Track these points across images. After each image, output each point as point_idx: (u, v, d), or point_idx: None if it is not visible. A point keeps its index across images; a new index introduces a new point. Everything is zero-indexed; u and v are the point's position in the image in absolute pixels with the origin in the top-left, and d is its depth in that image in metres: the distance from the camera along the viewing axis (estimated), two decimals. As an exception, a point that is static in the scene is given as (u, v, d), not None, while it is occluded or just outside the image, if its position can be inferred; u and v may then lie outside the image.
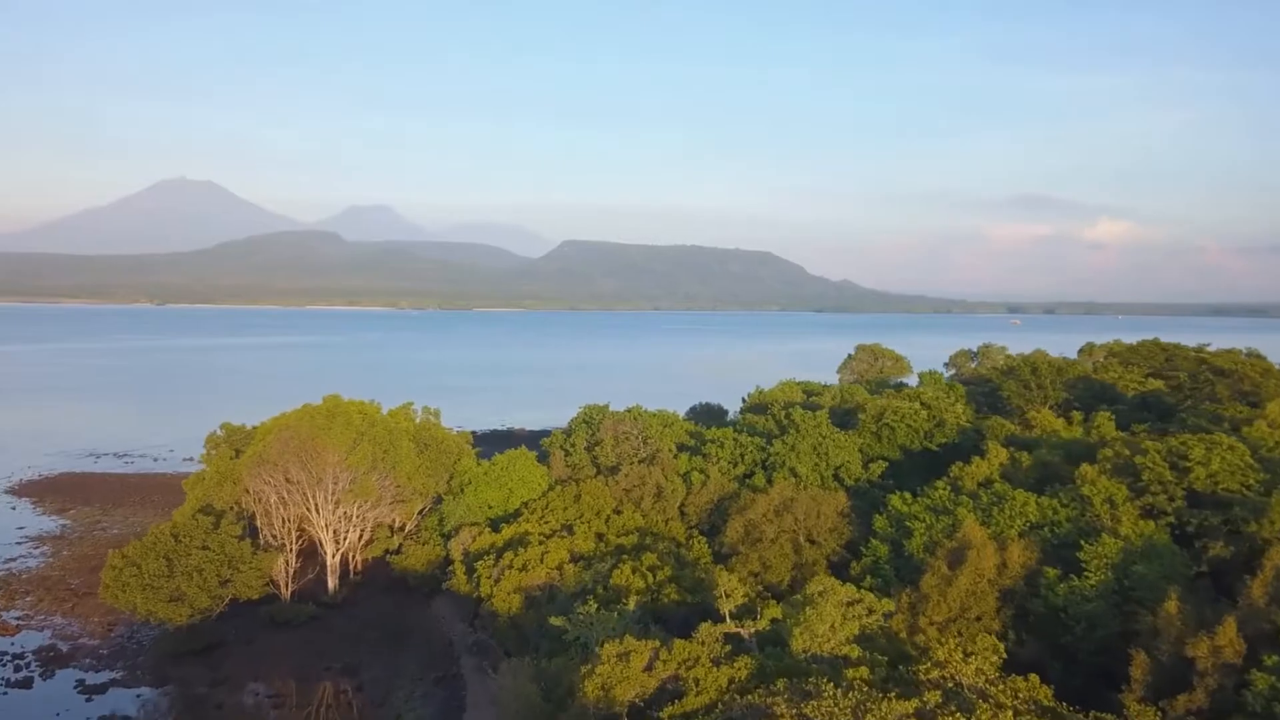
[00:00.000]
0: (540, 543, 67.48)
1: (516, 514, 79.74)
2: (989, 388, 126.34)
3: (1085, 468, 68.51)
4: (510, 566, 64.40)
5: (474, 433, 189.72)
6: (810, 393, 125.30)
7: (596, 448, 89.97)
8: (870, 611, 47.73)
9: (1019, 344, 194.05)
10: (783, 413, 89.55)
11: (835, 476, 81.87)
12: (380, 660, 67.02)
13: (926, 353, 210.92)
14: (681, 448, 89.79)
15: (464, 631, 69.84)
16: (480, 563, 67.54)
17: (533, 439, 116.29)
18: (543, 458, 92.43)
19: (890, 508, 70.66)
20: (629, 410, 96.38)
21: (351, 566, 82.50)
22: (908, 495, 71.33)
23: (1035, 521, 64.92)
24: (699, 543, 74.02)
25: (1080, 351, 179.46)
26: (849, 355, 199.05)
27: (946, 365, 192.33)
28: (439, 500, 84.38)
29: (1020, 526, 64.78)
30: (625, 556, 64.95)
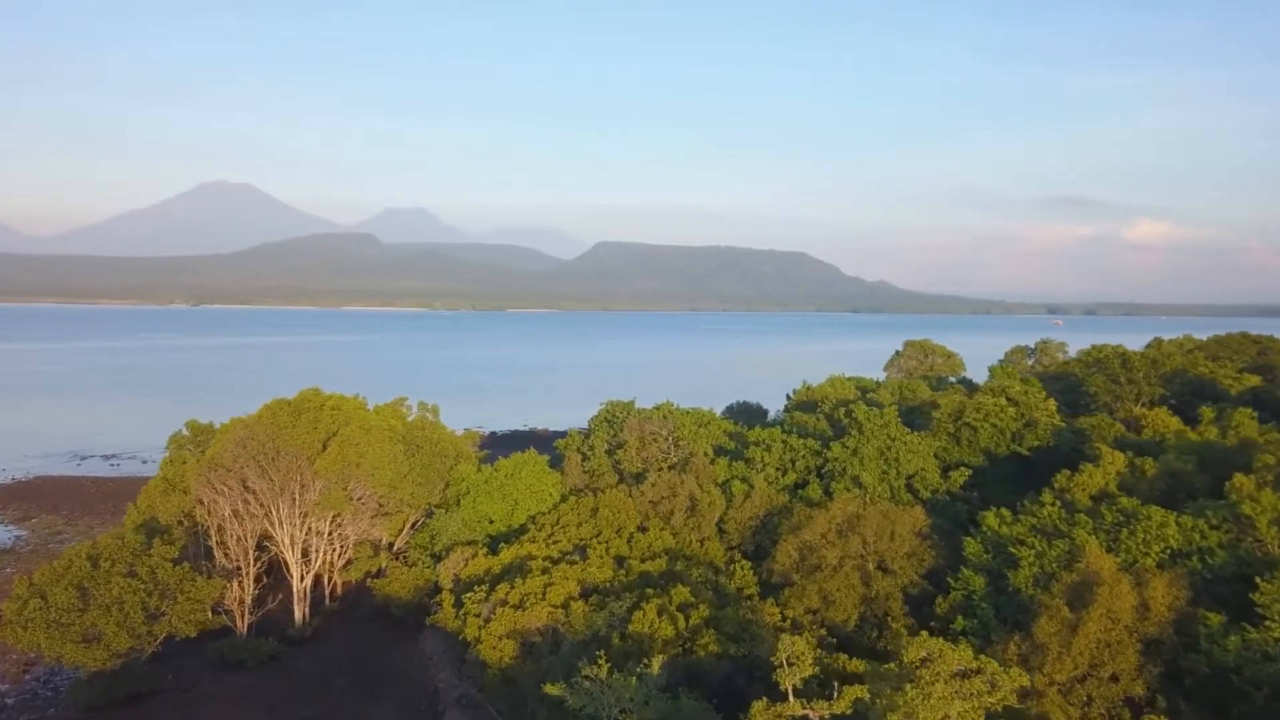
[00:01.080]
0: (544, 571, 53.83)
1: (522, 530, 66.32)
2: (1065, 383, 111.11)
3: (1239, 479, 53.66)
4: (504, 602, 50.84)
5: (493, 433, 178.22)
6: (864, 389, 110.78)
7: (619, 451, 76.34)
8: (993, 686, 33.54)
9: (1070, 344, 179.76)
10: (841, 410, 75.25)
11: (908, 487, 67.46)
12: (348, 713, 53.82)
13: (971, 352, 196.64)
14: (719, 451, 75.82)
15: (452, 679, 56.34)
16: (470, 595, 54.04)
17: (555, 441, 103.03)
18: (556, 462, 78.97)
19: (985, 528, 56.26)
20: (657, 407, 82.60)
21: (328, 592, 69.48)
22: (1005, 512, 56.86)
23: (1178, 548, 50.49)
24: (742, 569, 60.06)
25: (1148, 347, 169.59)
26: (896, 352, 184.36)
27: (1001, 363, 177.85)
28: (433, 513, 71.18)
29: (1159, 555, 50.44)
30: (650, 590, 51.13)
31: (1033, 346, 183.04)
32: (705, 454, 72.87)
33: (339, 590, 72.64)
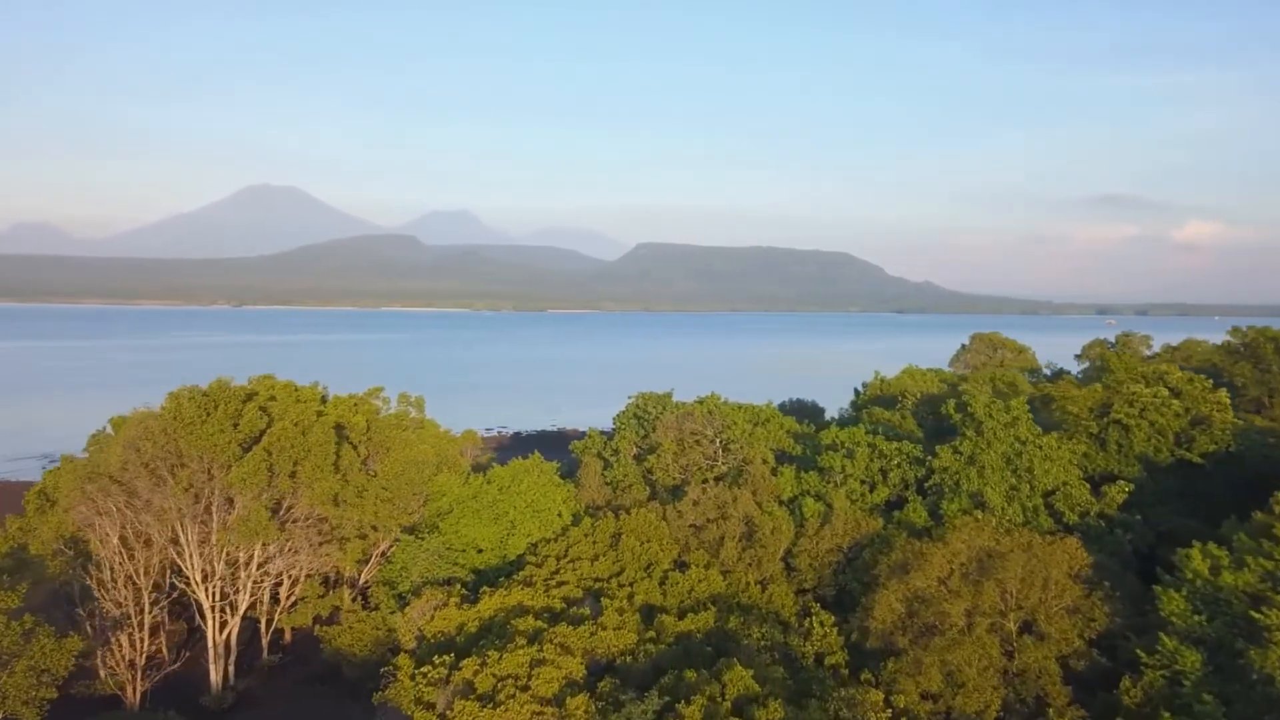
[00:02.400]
0: (534, 637, 36.38)
1: (518, 564, 49.07)
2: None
3: None
4: (470, 689, 33.50)
5: (517, 434, 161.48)
6: (949, 383, 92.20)
7: (650, 456, 58.76)
8: None
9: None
10: (952, 403, 56.92)
11: (1048, 508, 49.12)
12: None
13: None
14: (782, 458, 57.93)
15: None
16: (424, 672, 36.68)
17: (571, 443, 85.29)
18: (571, 470, 61.64)
19: (1189, 573, 37.84)
20: (701, 401, 64.89)
21: (267, 642, 52.68)
22: (1217, 549, 38.37)
23: None
24: (822, 626, 42.24)
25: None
26: (962, 346, 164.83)
27: (1078, 358, 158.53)
28: (410, 533, 54.08)
29: None
30: (692, 674, 33.48)
31: (1112, 340, 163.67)
32: (764, 461, 54.98)
33: (289, 638, 55.88)
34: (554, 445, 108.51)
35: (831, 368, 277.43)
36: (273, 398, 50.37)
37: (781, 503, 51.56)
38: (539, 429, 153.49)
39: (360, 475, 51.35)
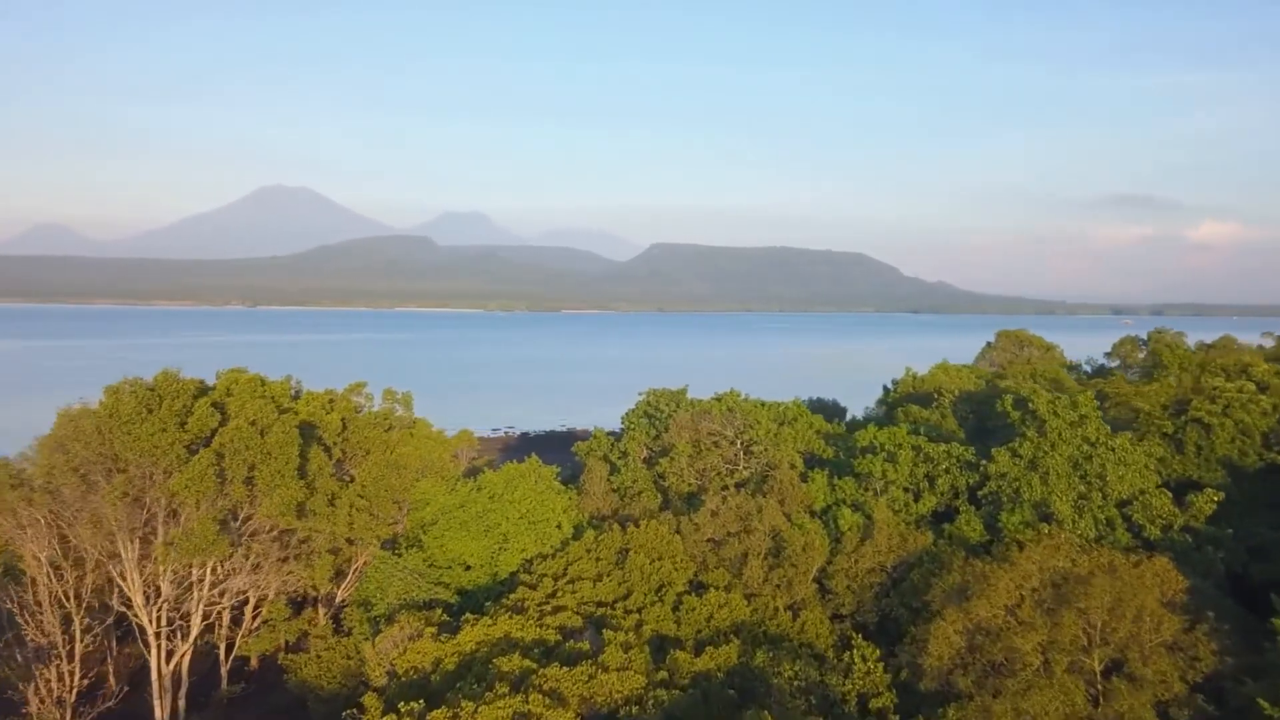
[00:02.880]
0: (519, 681, 29.89)
1: (509, 585, 42.61)
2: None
3: None
4: None
5: (524, 434, 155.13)
6: (986, 379, 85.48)
7: (663, 460, 52.15)
8: None
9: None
10: (1008, 399, 50.13)
11: (1125, 521, 42.31)
12: None
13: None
14: (811, 462, 51.25)
15: None
16: (387, 722, 30.19)
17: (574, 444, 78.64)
18: (574, 475, 55.16)
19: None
20: (719, 398, 58.27)
21: (226, 671, 46.38)
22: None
23: None
24: (865, 660, 35.60)
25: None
26: (988, 344, 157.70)
27: (1108, 355, 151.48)
28: (391, 546, 47.76)
29: None
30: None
31: (1144, 337, 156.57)
32: (792, 466, 48.32)
33: (255, 665, 49.60)
34: (562, 446, 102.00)
35: (850, 366, 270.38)
36: (230, 393, 44.05)
37: (813, 514, 44.92)
38: (547, 429, 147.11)
39: (330, 481, 44.98)
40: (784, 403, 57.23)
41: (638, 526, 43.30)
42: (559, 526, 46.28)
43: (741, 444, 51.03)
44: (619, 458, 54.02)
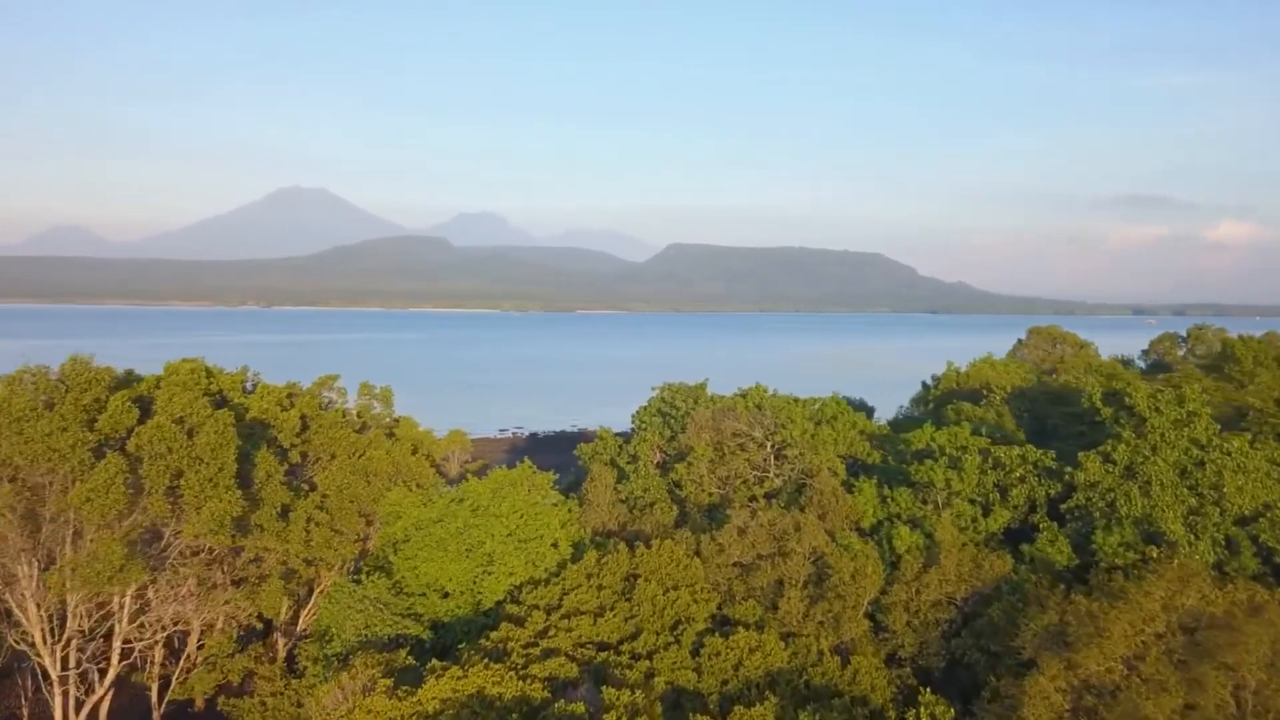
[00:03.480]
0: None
1: (493, 618, 35.03)
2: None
3: None
4: None
5: (533, 435, 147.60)
6: (1037, 374, 77.84)
7: (680, 465, 44.42)
8: None
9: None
10: (1098, 394, 42.11)
11: (1252, 542, 34.34)
12: None
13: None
14: (855, 468, 43.43)
15: None
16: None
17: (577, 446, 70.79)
18: (577, 481, 47.53)
19: None
20: (745, 393, 50.54)
21: (159, 712, 38.98)
22: None
23: None
24: (934, 718, 27.82)
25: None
26: (1019, 340, 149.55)
27: (1145, 353, 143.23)
28: (357, 570, 40.28)
29: None
30: None
31: (1184, 334, 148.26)
32: (833, 472, 40.53)
33: (199, 705, 42.21)
34: (572, 448, 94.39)
35: (875, 365, 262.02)
36: (158, 385, 36.64)
37: (861, 532, 37.18)
38: (556, 430, 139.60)
39: (282, 491, 37.51)
40: (820, 399, 49.32)
41: (649, 547, 35.65)
42: (555, 545, 38.70)
43: (772, 446, 43.30)
44: (628, 462, 46.40)
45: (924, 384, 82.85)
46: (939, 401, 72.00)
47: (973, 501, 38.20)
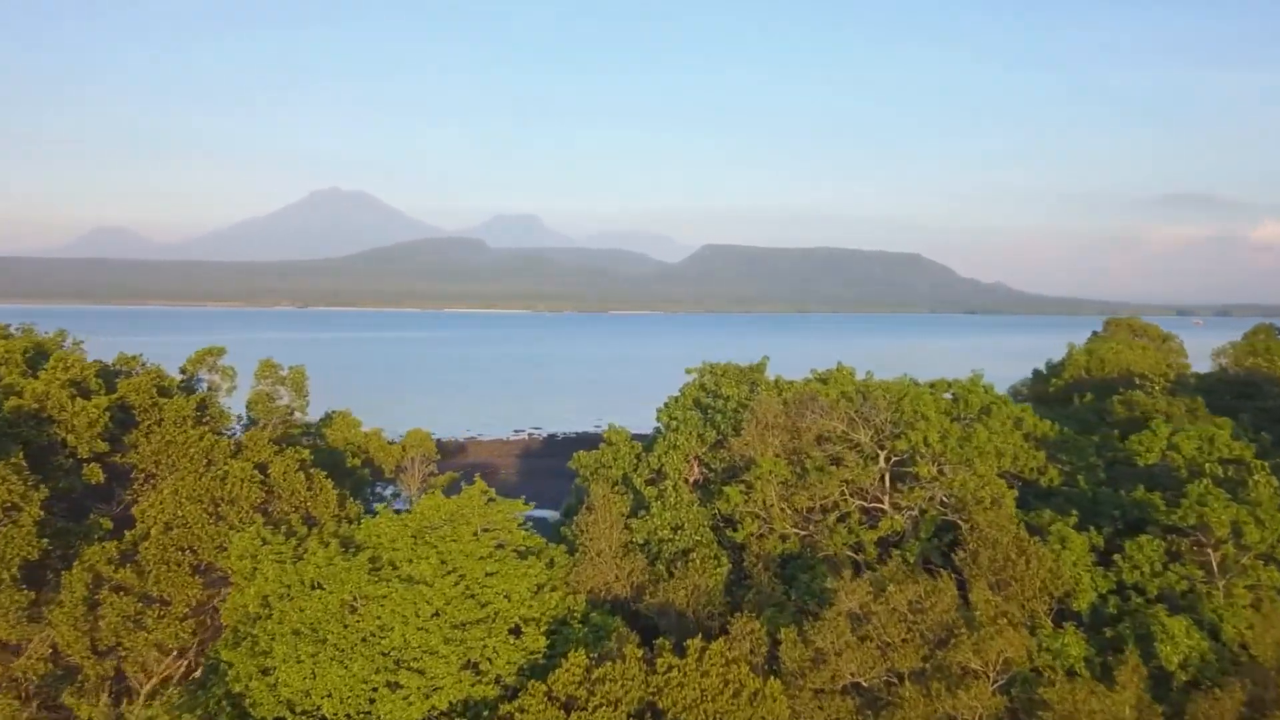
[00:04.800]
0: None
1: None
2: None
3: None
4: None
5: (551, 436, 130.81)
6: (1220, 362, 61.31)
7: (733, 487, 27.41)
8: None
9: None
10: None
11: None
12: None
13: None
14: (1026, 494, 26.19)
15: None
16: None
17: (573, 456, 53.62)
18: (576, 505, 30.65)
19: None
20: (823, 379, 33.48)
21: None
22: None
23: None
24: None
25: None
26: (1094, 333, 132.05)
27: (1215, 355, 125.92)
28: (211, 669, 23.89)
29: None
30: None
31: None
32: (994, 502, 23.39)
33: None
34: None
35: (923, 364, 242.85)
36: None
37: (1074, 619, 20.08)
38: (577, 430, 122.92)
39: (24, 539, 21.16)
40: (952, 381, 31.47)
41: (681, 650, 18.87)
42: (517, 631, 22.09)
43: (887, 458, 26.32)
44: (648, 482, 29.56)
45: (1037, 372, 65.71)
46: (1063, 393, 54.80)
47: (1271, 561, 20.97)
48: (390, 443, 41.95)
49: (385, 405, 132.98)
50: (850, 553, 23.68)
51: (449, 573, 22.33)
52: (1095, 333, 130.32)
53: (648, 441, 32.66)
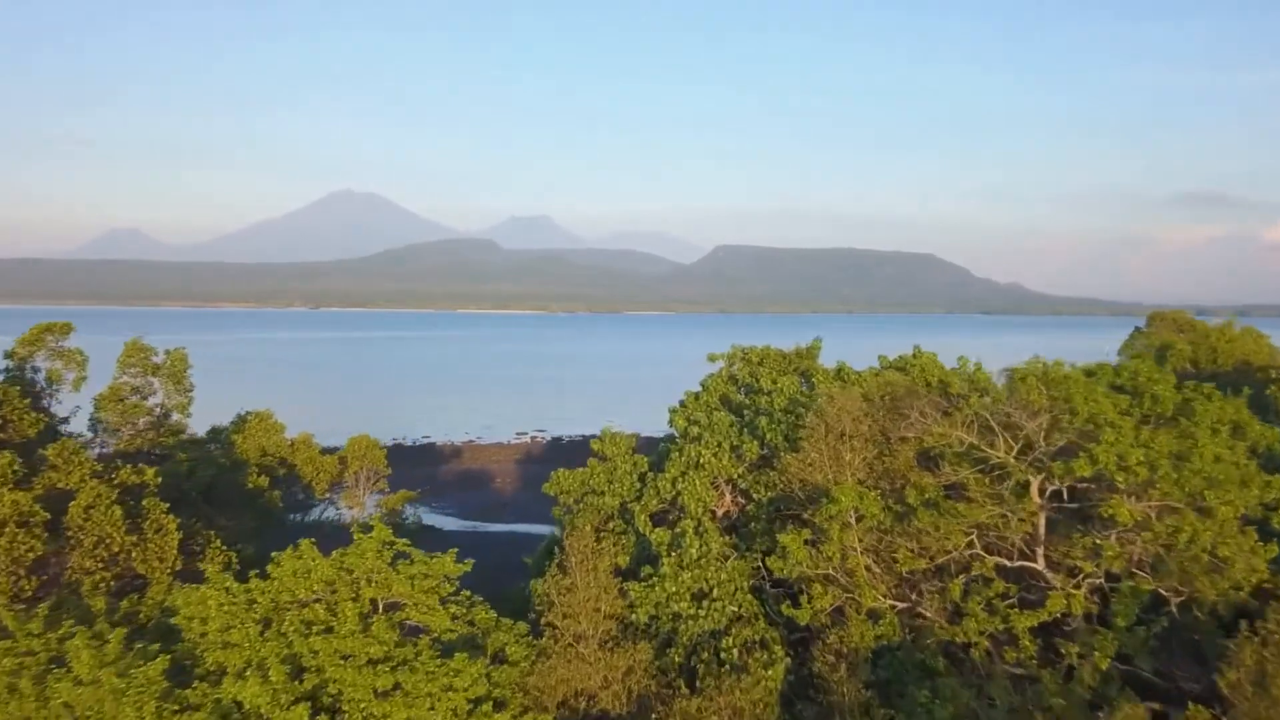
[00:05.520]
0: None
1: None
2: None
3: None
4: None
5: (556, 439, 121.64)
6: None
7: (795, 531, 17.82)
8: None
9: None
10: None
11: None
12: None
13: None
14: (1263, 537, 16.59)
15: None
16: None
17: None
18: (559, 540, 21.02)
19: None
20: (906, 364, 23.76)
21: None
22: None
23: None
24: None
25: None
26: (1136, 329, 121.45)
27: None
28: None
29: None
30: None
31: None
32: (1251, 563, 13.71)
33: None
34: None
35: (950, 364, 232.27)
36: None
37: None
38: (586, 434, 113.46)
39: None
40: (1124, 364, 21.42)
41: None
42: None
43: (1042, 487, 16.47)
44: (655, 514, 19.79)
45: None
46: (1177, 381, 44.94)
47: None
48: (326, 452, 32.47)
49: (379, 406, 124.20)
50: (991, 657, 13.97)
51: (302, 698, 12.76)
52: (1137, 329, 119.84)
53: (657, 455, 22.86)
